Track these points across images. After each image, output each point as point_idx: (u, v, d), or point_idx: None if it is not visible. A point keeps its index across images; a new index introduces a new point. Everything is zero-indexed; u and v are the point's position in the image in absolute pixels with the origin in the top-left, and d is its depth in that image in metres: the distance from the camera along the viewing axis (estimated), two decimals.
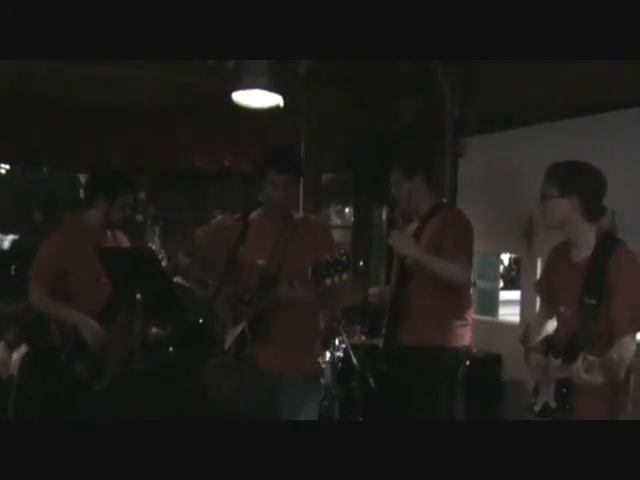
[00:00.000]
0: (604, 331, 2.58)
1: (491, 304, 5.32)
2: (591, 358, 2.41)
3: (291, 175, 3.19)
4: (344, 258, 2.75)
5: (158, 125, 5.41)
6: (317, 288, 2.85)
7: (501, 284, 5.97)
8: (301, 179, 3.41)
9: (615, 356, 2.38)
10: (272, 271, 3.13)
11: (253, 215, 3.31)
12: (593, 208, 2.69)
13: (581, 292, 2.63)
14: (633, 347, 2.55)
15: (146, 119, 5.36)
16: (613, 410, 2.64)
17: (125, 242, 3.71)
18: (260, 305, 3.10)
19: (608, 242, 2.68)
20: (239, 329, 3.15)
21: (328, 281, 2.76)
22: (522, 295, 4.78)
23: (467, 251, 3.44)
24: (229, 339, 3.20)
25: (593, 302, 2.59)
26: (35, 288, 3.43)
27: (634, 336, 2.58)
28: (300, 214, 3.36)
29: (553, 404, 2.65)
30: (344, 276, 2.76)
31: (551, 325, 2.91)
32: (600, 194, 2.70)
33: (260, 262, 3.16)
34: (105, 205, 3.47)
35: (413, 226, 3.65)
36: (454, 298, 3.48)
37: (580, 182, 2.67)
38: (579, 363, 2.44)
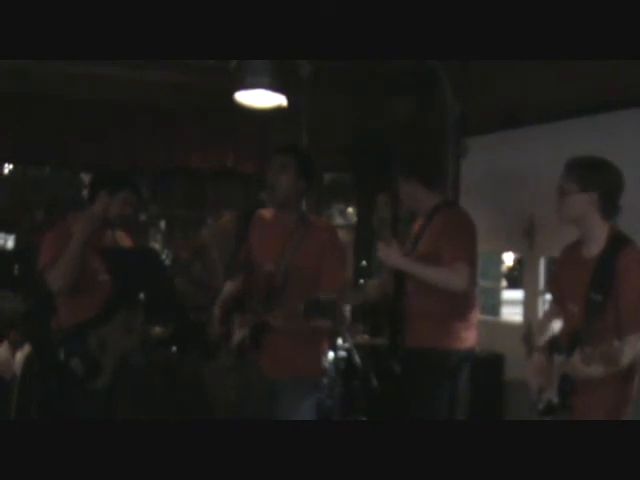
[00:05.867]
0: (610, 329, 2.56)
1: (494, 303, 5.33)
2: (588, 349, 2.39)
3: (290, 158, 3.13)
4: (331, 305, 2.80)
5: (159, 124, 5.41)
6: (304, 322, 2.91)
7: (504, 283, 5.98)
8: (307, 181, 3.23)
9: (616, 343, 2.34)
10: (278, 277, 3.10)
11: (266, 216, 3.29)
12: (609, 205, 2.69)
13: (587, 288, 2.62)
14: None
15: (147, 118, 5.37)
16: (615, 407, 2.63)
17: (126, 242, 3.71)
18: (258, 318, 3.10)
19: (619, 241, 2.67)
20: (243, 333, 3.15)
21: (312, 322, 2.86)
22: (525, 294, 4.77)
23: (467, 254, 3.32)
24: (233, 342, 3.21)
25: (599, 298, 2.58)
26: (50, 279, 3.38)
27: None
28: (312, 217, 3.29)
29: (555, 400, 2.63)
30: (328, 323, 2.87)
31: (558, 324, 2.88)
32: (618, 192, 2.70)
33: (267, 267, 3.13)
34: (107, 200, 3.46)
35: (417, 224, 3.59)
36: (456, 300, 3.38)
37: (600, 178, 2.68)
38: (576, 355, 2.43)
